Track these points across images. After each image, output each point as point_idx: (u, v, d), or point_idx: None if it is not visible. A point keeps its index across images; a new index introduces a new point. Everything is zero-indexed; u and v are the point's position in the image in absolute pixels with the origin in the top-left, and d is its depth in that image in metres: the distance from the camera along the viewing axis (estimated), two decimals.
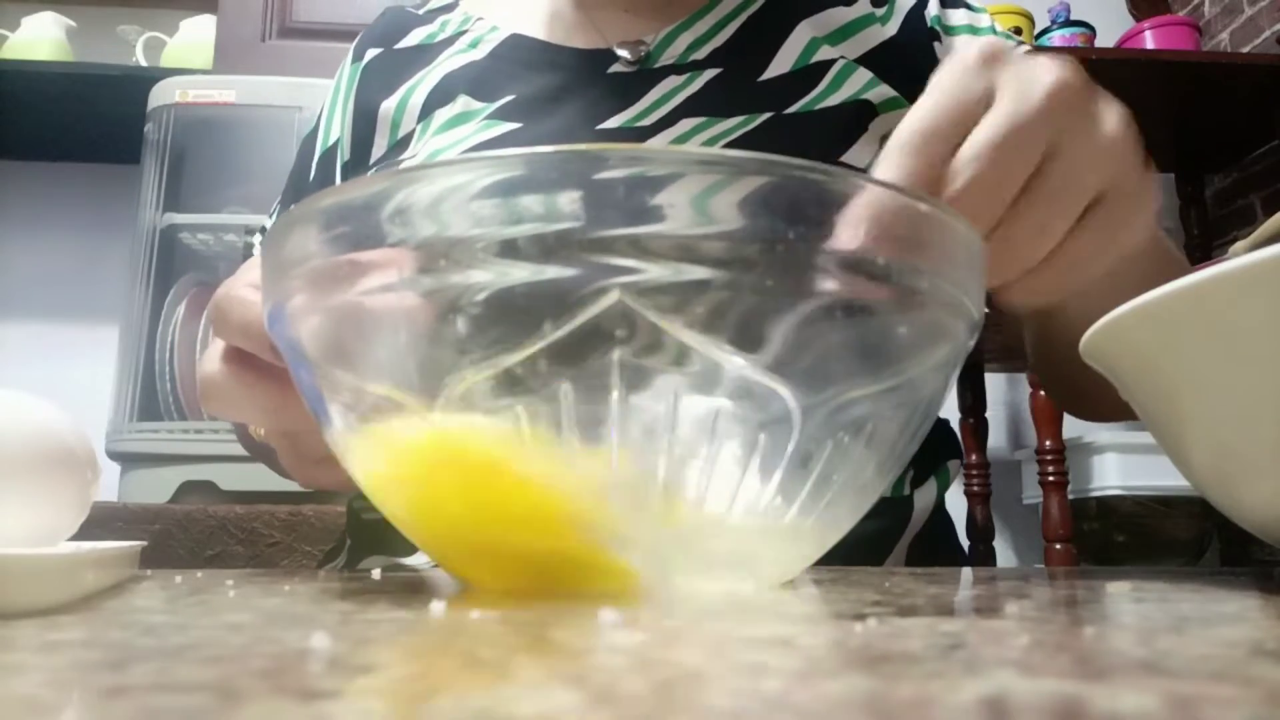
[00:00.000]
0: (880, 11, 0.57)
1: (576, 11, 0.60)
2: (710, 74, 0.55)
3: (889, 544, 0.50)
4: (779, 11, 0.57)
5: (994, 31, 0.59)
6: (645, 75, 0.56)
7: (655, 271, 0.22)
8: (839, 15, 0.57)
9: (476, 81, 0.57)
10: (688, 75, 0.55)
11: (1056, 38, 1.78)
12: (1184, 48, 1.77)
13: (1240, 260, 0.23)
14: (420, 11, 0.66)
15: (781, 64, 0.54)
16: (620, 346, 0.23)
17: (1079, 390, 0.57)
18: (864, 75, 0.54)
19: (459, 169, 0.23)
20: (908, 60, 0.55)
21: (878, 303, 0.24)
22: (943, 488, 0.54)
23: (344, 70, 0.65)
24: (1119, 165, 0.32)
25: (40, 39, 1.69)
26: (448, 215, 0.23)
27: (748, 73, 0.55)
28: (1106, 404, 0.57)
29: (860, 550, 0.47)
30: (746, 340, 0.23)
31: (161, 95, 1.45)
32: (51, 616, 0.20)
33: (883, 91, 0.54)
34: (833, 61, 0.54)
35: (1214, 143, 1.88)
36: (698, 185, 0.22)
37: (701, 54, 0.56)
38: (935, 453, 0.54)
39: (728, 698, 0.11)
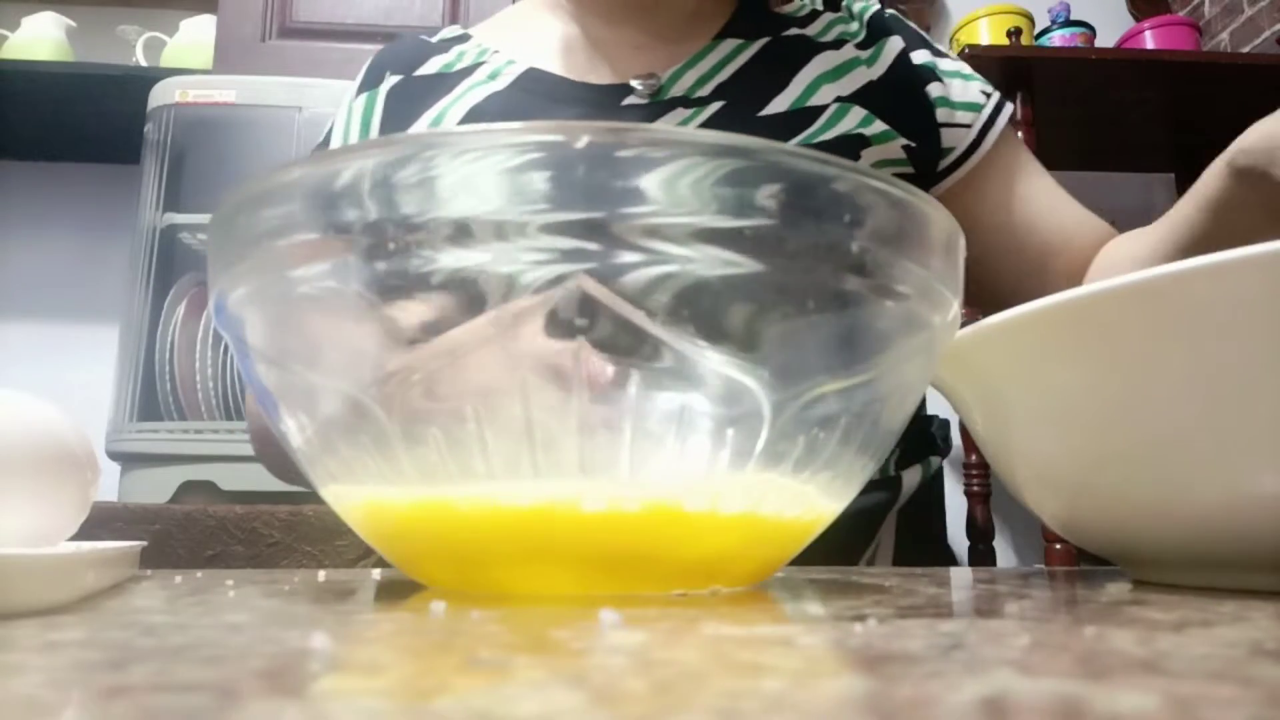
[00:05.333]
0: (865, 54, 0.63)
1: (590, 49, 0.64)
2: (715, 107, 0.59)
3: (880, 516, 0.56)
4: (774, 57, 0.62)
5: (975, 76, 0.66)
6: (657, 106, 0.60)
7: (617, 258, 0.21)
8: (832, 58, 0.62)
9: (500, 113, 0.60)
10: (695, 109, 0.59)
11: (1056, 38, 1.78)
12: (1184, 48, 1.77)
13: (1054, 298, 0.26)
14: (433, 40, 0.68)
15: (781, 103, 0.59)
16: (581, 336, 0.22)
17: None
18: (858, 113, 0.59)
19: (404, 146, 0.22)
20: (895, 98, 0.61)
21: (852, 293, 0.23)
22: (926, 475, 0.60)
23: (354, 97, 0.66)
24: None
25: (40, 39, 1.69)
26: (398, 197, 0.22)
27: (749, 108, 0.59)
28: None
29: (853, 522, 0.52)
30: (714, 332, 0.23)
31: (161, 95, 1.45)
32: (51, 616, 0.20)
33: (876, 126, 0.59)
34: (827, 105, 0.59)
35: (1214, 143, 1.87)
36: (666, 169, 0.21)
37: (706, 90, 0.60)
38: (920, 446, 0.61)
39: (727, 698, 0.11)
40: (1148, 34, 1.79)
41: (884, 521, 0.57)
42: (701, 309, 0.22)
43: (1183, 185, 1.95)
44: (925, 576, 0.33)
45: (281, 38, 1.61)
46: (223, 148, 1.43)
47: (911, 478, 0.59)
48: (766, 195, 0.22)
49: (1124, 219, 0.70)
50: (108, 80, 1.57)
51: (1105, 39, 1.84)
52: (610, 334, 0.22)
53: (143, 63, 1.76)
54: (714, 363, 0.23)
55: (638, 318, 0.22)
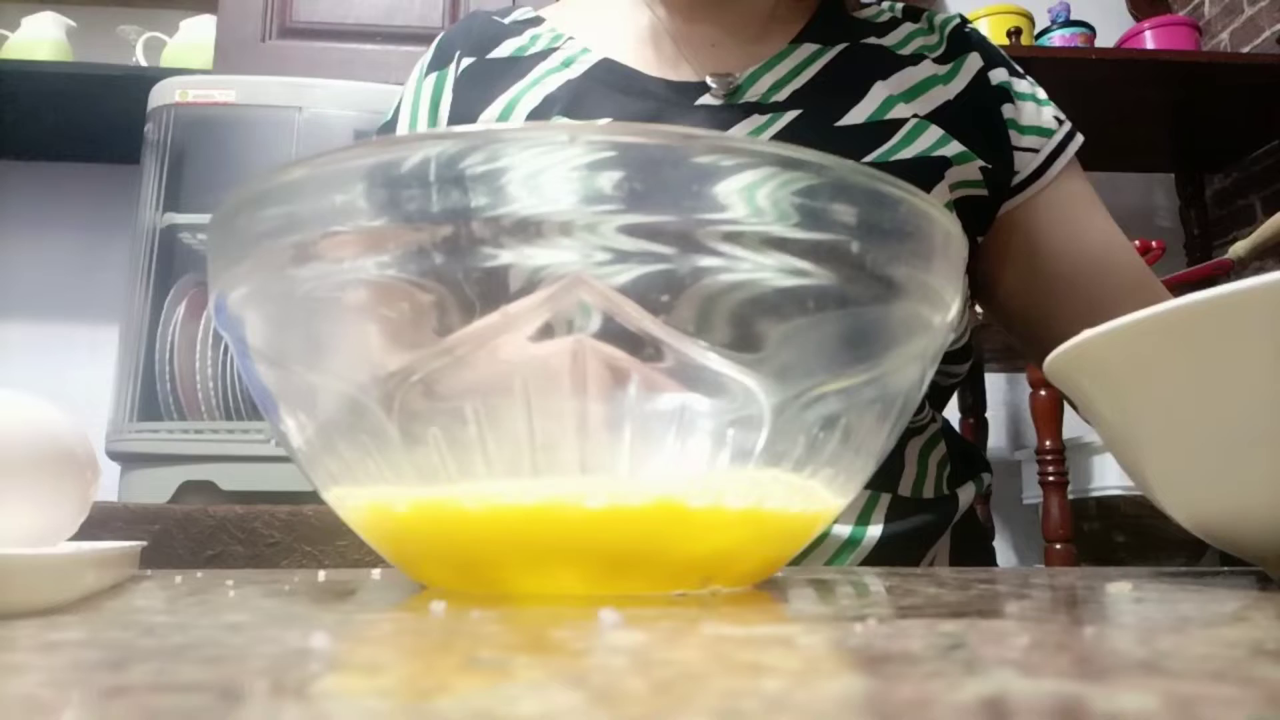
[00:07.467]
0: (943, 70, 0.61)
1: (666, 42, 0.63)
2: (791, 115, 0.58)
3: (935, 534, 0.57)
4: (851, 65, 0.61)
5: (1049, 102, 0.64)
6: (733, 110, 0.59)
7: (618, 258, 0.21)
8: (910, 75, 0.61)
9: (572, 102, 0.60)
10: (770, 115, 0.58)
11: (1056, 38, 1.78)
12: (1184, 48, 1.77)
13: (1205, 293, 0.25)
14: (506, 21, 0.67)
15: (857, 115, 0.58)
16: (580, 336, 0.22)
17: None
18: (935, 132, 0.57)
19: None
20: (971, 117, 0.60)
21: (853, 293, 0.23)
22: (980, 491, 0.62)
23: (424, 74, 0.65)
24: None
25: (40, 39, 1.69)
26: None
27: (825, 117, 0.58)
28: None
29: (909, 541, 0.55)
30: (715, 332, 0.23)
31: (161, 95, 1.45)
32: (51, 616, 0.20)
33: (954, 146, 0.57)
34: (905, 120, 0.58)
35: (1214, 143, 1.88)
36: (666, 171, 0.21)
37: (782, 95, 0.59)
38: (971, 463, 0.62)
39: (728, 698, 0.11)
40: (1148, 34, 1.79)
41: (939, 539, 0.57)
42: (702, 309, 0.22)
43: (1183, 185, 1.96)
44: (925, 576, 0.33)
45: (281, 38, 1.61)
46: (223, 148, 1.43)
47: (966, 494, 0.59)
48: (769, 196, 0.22)
49: (1124, 219, 0.69)
50: (108, 80, 1.58)
51: (1105, 39, 1.84)
52: (610, 334, 0.22)
53: (143, 63, 1.76)
54: (714, 363, 0.23)
55: (637, 317, 0.22)
